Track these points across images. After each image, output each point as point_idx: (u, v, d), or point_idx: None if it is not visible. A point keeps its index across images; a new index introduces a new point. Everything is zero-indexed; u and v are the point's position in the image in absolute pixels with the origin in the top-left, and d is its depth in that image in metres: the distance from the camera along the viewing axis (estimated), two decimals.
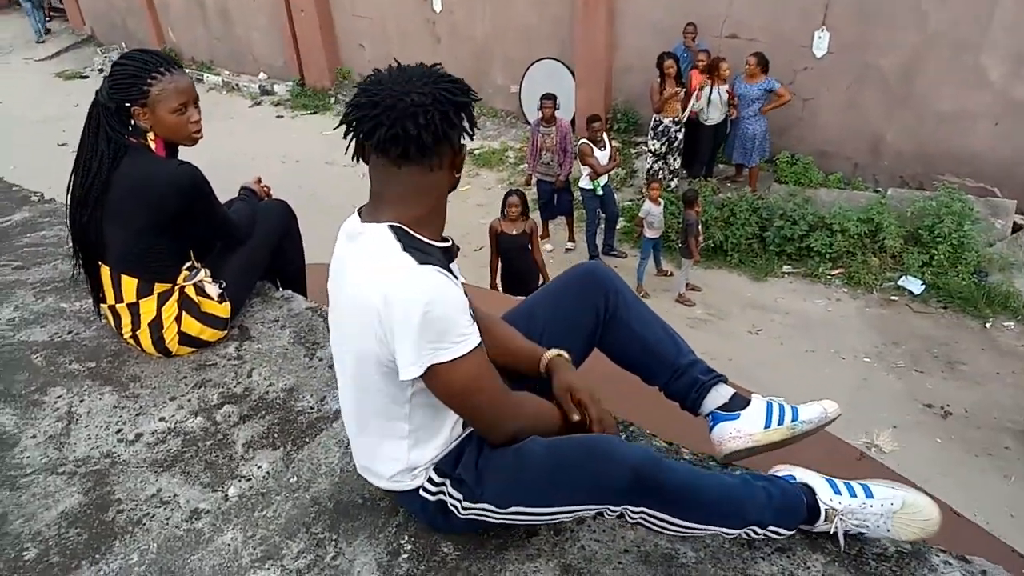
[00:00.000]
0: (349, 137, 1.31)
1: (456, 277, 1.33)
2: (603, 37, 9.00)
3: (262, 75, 12.75)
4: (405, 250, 1.26)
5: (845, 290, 7.05)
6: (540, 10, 9.48)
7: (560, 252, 7.69)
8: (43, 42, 16.16)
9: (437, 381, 1.26)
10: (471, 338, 1.26)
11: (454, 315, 1.24)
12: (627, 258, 7.51)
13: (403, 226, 1.30)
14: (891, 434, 5.46)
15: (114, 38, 15.23)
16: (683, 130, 7.78)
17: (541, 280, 6.05)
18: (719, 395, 1.63)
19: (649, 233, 6.88)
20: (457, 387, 1.27)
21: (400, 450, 1.41)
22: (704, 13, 8.13)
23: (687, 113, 7.69)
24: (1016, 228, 7.30)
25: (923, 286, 6.85)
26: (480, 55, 10.33)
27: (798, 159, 8.16)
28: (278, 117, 11.64)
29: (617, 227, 7.66)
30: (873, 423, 5.55)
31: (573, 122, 8.77)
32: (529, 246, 5.94)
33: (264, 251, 2.47)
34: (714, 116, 7.72)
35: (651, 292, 7.01)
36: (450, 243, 1.38)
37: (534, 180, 7.62)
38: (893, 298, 6.89)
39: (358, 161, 1.36)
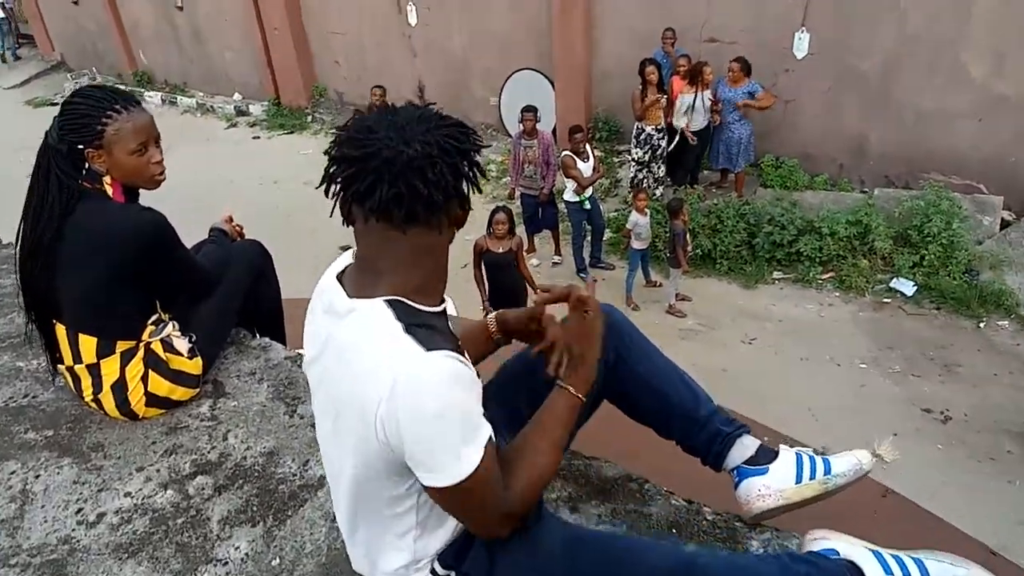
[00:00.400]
0: (334, 195, 1.11)
1: (457, 344, 1.16)
2: (581, 45, 8.90)
3: (237, 95, 12.55)
4: (408, 331, 1.07)
5: (837, 294, 6.95)
6: (517, 20, 9.37)
7: (547, 266, 7.56)
8: (6, 65, 15.88)
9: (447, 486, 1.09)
10: (483, 429, 1.10)
11: (469, 409, 1.08)
12: (615, 270, 7.39)
13: (402, 299, 1.11)
14: (892, 442, 5.36)
15: (85, 63, 14.99)
16: (666, 137, 7.68)
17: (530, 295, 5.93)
18: (744, 448, 1.49)
19: (636, 244, 6.76)
20: (465, 488, 1.09)
21: (406, 541, 1.24)
22: (683, 18, 8.06)
23: (680, 129, 7.59)
24: (1004, 224, 7.26)
25: (915, 287, 6.78)
26: (457, 67, 10.21)
27: (783, 162, 8.09)
28: (255, 138, 11.46)
29: (604, 238, 7.54)
30: (873, 432, 5.44)
31: (555, 132, 8.65)
32: (515, 263, 5.81)
33: (237, 297, 2.30)
34: (697, 122, 7.62)
35: (641, 304, 6.88)
36: (446, 303, 1.22)
37: (517, 194, 7.48)
38: (886, 300, 6.81)
39: (345, 224, 1.16)
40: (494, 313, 1.49)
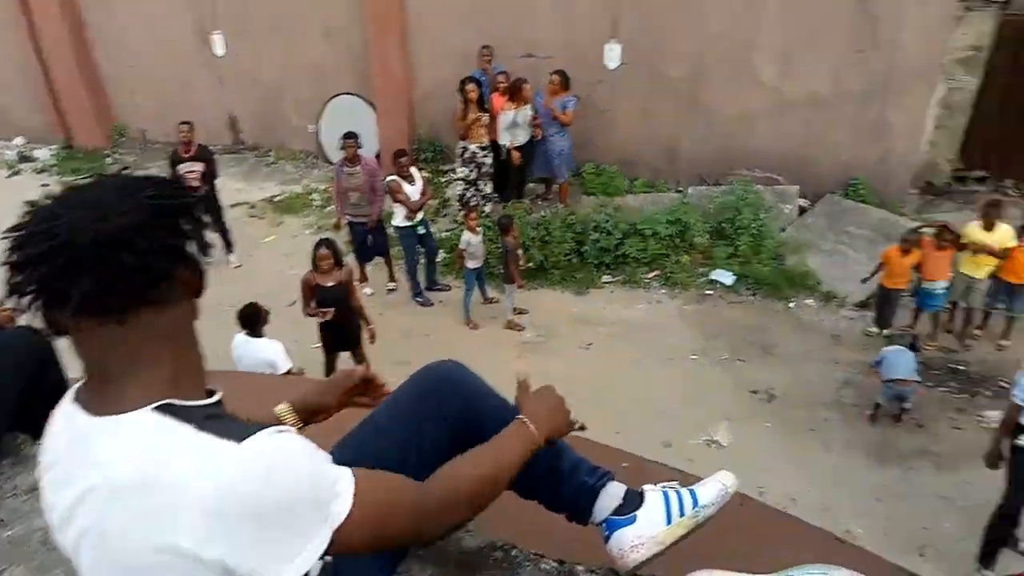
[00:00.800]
0: (30, 307, 0.89)
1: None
2: (400, 67, 8.83)
3: (18, 139, 11.24)
4: (203, 429, 0.88)
5: (663, 291, 7.33)
6: (331, 45, 9.14)
7: (382, 294, 7.39)
8: None
9: (347, 539, 0.95)
10: (343, 474, 0.97)
11: (318, 471, 0.94)
12: (451, 291, 7.37)
13: (171, 401, 0.91)
14: (727, 427, 5.72)
15: None
16: (491, 155, 7.76)
17: (365, 329, 5.77)
18: (610, 497, 1.43)
19: (470, 263, 6.77)
20: (370, 527, 0.98)
21: None
22: (498, 35, 8.19)
23: (507, 149, 7.69)
24: (801, 211, 7.99)
25: (734, 277, 7.27)
26: (272, 97, 9.80)
27: (603, 169, 8.45)
28: (43, 186, 10.30)
29: (438, 260, 7.50)
30: (709, 419, 5.78)
31: (378, 157, 8.51)
32: (348, 294, 5.62)
33: (9, 399, 2.00)
34: (520, 138, 7.75)
35: (480, 321, 6.91)
36: (220, 394, 1.01)
37: (344, 223, 7.26)
38: (708, 292, 7.26)
39: (57, 335, 0.93)
40: (284, 404, 1.36)
